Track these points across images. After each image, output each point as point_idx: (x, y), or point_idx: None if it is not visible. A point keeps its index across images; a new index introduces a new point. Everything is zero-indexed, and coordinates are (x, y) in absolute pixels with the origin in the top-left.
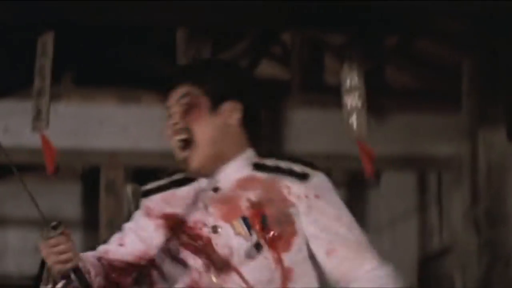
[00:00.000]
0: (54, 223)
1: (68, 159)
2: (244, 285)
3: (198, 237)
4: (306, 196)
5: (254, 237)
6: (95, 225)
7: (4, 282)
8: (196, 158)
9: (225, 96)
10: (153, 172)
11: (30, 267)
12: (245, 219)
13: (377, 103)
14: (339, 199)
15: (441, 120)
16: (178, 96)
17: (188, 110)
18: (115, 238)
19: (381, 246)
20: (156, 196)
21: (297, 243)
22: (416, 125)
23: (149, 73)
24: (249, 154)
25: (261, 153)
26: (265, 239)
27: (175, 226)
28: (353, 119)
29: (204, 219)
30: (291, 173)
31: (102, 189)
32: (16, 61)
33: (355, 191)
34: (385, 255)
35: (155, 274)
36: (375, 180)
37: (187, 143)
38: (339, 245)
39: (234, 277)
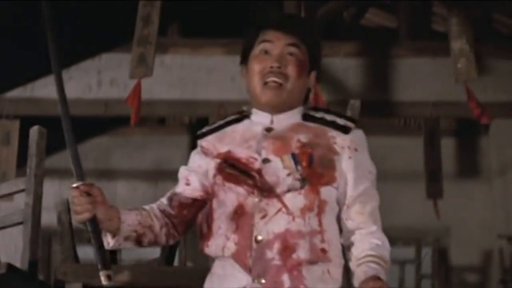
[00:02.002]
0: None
1: (175, 110)
2: (284, 209)
3: (249, 168)
4: (348, 147)
5: (300, 172)
6: None
7: None
8: (278, 100)
9: (317, 65)
10: None
11: None
12: (294, 155)
13: (486, 50)
14: (369, 156)
15: None
16: (287, 42)
17: (294, 61)
18: (181, 179)
19: (491, 194)
20: (210, 137)
21: (334, 184)
22: None
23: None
24: (303, 107)
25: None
26: (308, 175)
27: (228, 161)
28: (462, 63)
29: (256, 153)
30: (335, 125)
31: None
32: (122, 15)
33: (465, 139)
34: (495, 203)
35: (214, 202)
36: (485, 127)
37: (279, 86)
38: (359, 199)
39: (276, 201)
